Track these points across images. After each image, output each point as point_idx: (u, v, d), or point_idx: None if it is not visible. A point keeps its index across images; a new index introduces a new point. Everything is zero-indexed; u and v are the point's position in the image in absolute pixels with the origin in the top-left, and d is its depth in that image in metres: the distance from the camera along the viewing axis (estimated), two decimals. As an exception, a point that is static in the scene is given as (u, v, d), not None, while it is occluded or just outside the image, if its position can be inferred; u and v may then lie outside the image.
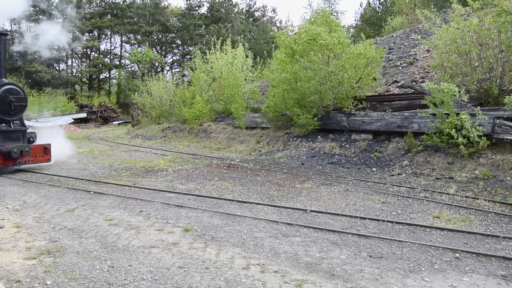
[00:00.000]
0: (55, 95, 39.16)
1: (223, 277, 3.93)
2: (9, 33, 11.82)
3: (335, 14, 14.64)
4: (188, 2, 55.31)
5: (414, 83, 14.16)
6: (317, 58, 12.65)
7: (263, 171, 10.43)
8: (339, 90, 13.00)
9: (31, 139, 10.98)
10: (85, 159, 12.92)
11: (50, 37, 15.89)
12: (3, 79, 10.71)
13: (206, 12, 55.22)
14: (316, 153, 12.46)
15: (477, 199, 7.32)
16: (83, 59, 52.53)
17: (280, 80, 14.27)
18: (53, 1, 46.39)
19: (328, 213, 6.38)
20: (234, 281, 3.85)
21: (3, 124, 10.37)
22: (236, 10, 54.31)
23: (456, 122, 9.33)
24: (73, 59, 53.07)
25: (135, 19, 50.92)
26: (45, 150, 10.65)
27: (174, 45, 55.71)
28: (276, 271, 4.09)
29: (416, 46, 17.93)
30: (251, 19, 54.40)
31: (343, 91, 13.04)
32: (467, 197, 7.50)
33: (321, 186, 8.53)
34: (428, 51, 16.26)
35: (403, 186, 8.47)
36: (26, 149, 10.06)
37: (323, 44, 12.64)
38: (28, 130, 11.15)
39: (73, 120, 30.90)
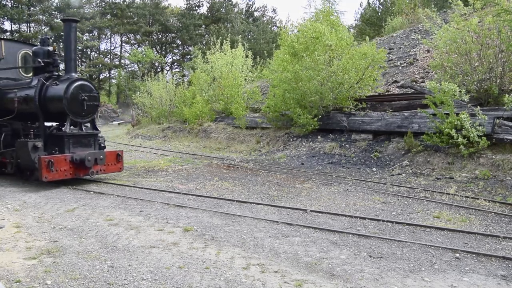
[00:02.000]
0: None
1: (223, 277, 3.93)
2: (80, 20, 9.93)
3: (335, 14, 14.55)
4: (188, 2, 55.33)
5: (414, 83, 14.16)
6: (321, 58, 12.65)
7: (263, 171, 10.43)
8: (339, 91, 13.01)
9: (102, 144, 9.49)
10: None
11: None
12: (73, 74, 9.00)
13: (206, 12, 55.24)
14: (316, 153, 12.46)
15: (477, 199, 7.32)
16: (83, 59, 52.53)
17: (280, 80, 14.28)
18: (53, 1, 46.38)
19: (328, 213, 6.38)
20: (234, 281, 3.85)
21: (72, 127, 8.77)
22: (236, 10, 54.30)
23: (456, 122, 9.33)
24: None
25: (135, 19, 50.93)
26: (118, 157, 9.17)
27: (174, 45, 55.72)
28: (276, 271, 4.09)
29: (416, 46, 17.93)
30: (251, 19, 54.39)
31: (344, 92, 13.04)
32: (467, 197, 7.50)
33: (321, 186, 8.53)
34: (428, 51, 16.26)
35: (403, 186, 8.46)
36: (101, 156, 8.65)
37: (326, 43, 12.65)
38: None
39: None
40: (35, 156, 8.13)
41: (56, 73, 9.12)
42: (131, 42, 54.48)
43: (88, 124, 9.23)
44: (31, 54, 10.37)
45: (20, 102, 8.95)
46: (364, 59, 12.73)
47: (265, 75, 18.50)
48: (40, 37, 9.47)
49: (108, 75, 55.03)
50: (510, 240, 5.18)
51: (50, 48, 9.13)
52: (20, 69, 10.36)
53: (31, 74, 10.49)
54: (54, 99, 8.66)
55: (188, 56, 51.49)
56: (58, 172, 8.03)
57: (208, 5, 55.30)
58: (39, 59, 8.97)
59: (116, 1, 51.88)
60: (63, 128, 8.75)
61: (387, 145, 11.48)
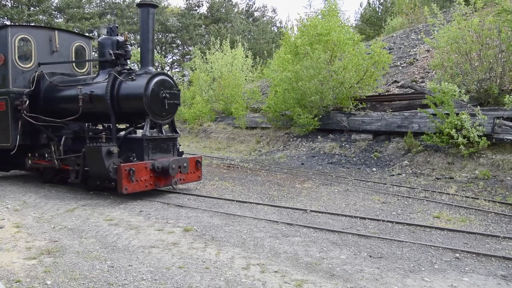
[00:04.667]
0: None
1: (223, 277, 3.93)
2: (158, 5, 8.34)
3: (340, 13, 14.50)
4: (188, 2, 55.32)
5: (414, 83, 14.16)
6: (323, 56, 12.66)
7: (263, 171, 10.43)
8: (340, 90, 13.01)
9: (179, 149, 8.33)
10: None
11: None
12: (150, 67, 7.74)
13: (206, 12, 55.24)
14: (316, 153, 12.46)
15: (477, 199, 7.32)
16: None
17: (281, 80, 14.28)
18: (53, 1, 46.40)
19: (328, 213, 6.37)
20: (234, 281, 3.85)
21: (148, 129, 7.44)
22: (236, 10, 54.31)
23: (456, 122, 9.33)
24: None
25: (135, 19, 50.91)
26: (197, 164, 8.04)
27: (174, 45, 55.70)
28: (276, 271, 4.09)
29: (416, 46, 17.93)
30: (251, 19, 54.40)
31: (344, 91, 13.05)
32: (467, 197, 7.50)
33: (321, 186, 8.53)
34: (428, 51, 16.26)
35: (403, 186, 8.47)
36: (185, 164, 7.49)
37: (331, 42, 12.67)
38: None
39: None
40: (109, 163, 6.93)
41: (128, 67, 7.96)
42: (131, 42, 54.47)
43: (167, 126, 8.06)
44: (84, 46, 9.66)
45: (85, 100, 7.69)
46: (369, 58, 12.73)
47: (266, 74, 18.48)
48: (107, 25, 8.30)
49: (108, 75, 54.95)
50: (510, 240, 5.18)
51: (120, 38, 7.92)
52: (73, 64, 9.50)
53: (85, 69, 9.74)
54: (131, 97, 7.46)
55: (188, 56, 51.46)
56: (138, 183, 6.92)
57: (208, 5, 55.33)
58: (110, 51, 7.72)
59: (116, 1, 51.88)
60: (140, 131, 7.59)
61: (387, 145, 11.48)
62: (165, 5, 54.33)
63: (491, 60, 10.72)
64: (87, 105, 7.74)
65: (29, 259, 4.36)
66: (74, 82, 8.41)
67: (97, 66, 8.55)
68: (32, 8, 45.93)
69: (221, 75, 20.51)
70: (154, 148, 7.51)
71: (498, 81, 10.75)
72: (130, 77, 7.48)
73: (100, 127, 8.84)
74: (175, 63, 56.19)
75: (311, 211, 6.46)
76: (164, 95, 7.47)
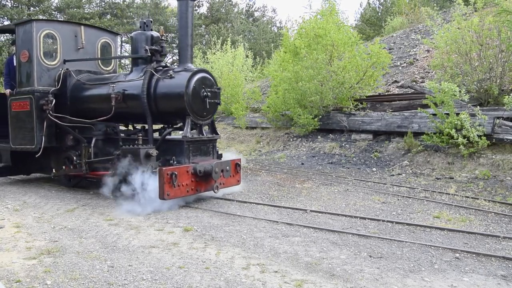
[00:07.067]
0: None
1: (223, 277, 3.93)
2: None
3: (339, 13, 14.46)
4: (188, 2, 55.30)
5: (414, 83, 14.16)
6: (321, 57, 12.66)
7: (263, 171, 10.43)
8: (340, 91, 13.01)
9: (218, 151, 7.89)
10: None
11: None
12: (190, 64, 7.24)
13: (206, 12, 55.25)
14: (316, 153, 12.46)
15: (477, 199, 7.32)
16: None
17: (281, 79, 14.28)
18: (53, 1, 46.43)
19: (328, 213, 6.38)
20: (234, 281, 3.85)
21: (188, 130, 6.95)
22: (236, 10, 54.33)
23: (456, 122, 9.33)
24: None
25: (135, 19, 50.92)
26: (236, 167, 7.56)
27: (174, 45, 55.72)
28: (276, 271, 4.09)
29: (416, 46, 17.92)
30: (251, 19, 54.42)
31: (344, 91, 13.05)
32: (467, 197, 7.50)
33: (321, 186, 8.53)
34: (428, 51, 16.25)
35: (403, 186, 8.46)
36: (227, 167, 7.01)
37: (329, 43, 12.65)
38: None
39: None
40: (148, 167, 6.53)
41: (163, 64, 7.53)
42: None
43: (207, 127, 7.62)
44: (110, 43, 9.32)
45: (118, 99, 7.25)
46: (367, 59, 12.72)
47: (269, 72, 18.43)
48: (140, 19, 7.48)
49: (108, 75, 54.96)
50: (510, 240, 5.18)
51: (155, 33, 7.53)
52: (99, 61, 9.08)
53: (111, 67, 9.37)
54: (170, 96, 6.97)
55: (188, 56, 51.44)
56: (180, 188, 6.39)
57: (208, 5, 55.36)
58: (146, 47, 7.31)
59: (116, 1, 51.90)
60: (180, 132, 7.20)
61: (387, 145, 11.48)
62: (165, 5, 54.33)
63: (491, 60, 10.71)
64: (120, 105, 7.29)
65: (29, 259, 4.37)
66: (104, 80, 7.97)
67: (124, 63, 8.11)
68: (32, 8, 45.94)
69: (221, 75, 20.50)
70: (195, 151, 7.05)
71: (498, 81, 10.75)
72: (168, 74, 6.98)
73: (130, 127, 8.50)
74: (175, 63, 56.18)
75: (311, 211, 6.46)
76: (205, 93, 7.01)
